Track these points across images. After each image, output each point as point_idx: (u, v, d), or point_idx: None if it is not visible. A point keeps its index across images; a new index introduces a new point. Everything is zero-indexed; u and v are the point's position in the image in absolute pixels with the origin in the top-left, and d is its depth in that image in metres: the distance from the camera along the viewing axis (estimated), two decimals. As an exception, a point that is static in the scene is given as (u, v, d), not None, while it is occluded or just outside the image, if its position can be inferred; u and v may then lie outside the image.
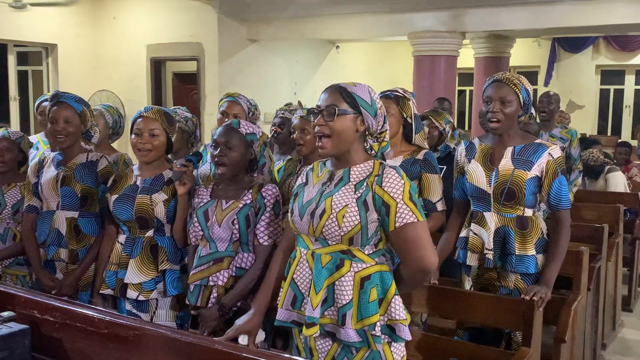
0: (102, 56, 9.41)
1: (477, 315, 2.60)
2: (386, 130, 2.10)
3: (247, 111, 3.58)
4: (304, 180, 2.17)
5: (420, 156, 2.98)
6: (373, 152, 2.09)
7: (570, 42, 12.90)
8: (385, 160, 2.12)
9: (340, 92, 2.04)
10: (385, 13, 8.24)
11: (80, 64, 9.16)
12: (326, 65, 11.08)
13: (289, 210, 2.14)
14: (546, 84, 13.10)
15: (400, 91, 3.02)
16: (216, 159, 2.52)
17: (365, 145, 2.07)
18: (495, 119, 2.66)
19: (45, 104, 4.03)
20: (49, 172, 3.00)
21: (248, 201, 2.53)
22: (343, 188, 2.02)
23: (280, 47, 9.79)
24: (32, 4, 7.82)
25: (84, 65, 9.22)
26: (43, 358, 2.32)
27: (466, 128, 12.91)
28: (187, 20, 8.87)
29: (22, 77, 9.26)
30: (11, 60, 8.80)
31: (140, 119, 2.73)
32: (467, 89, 13.76)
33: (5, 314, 2.29)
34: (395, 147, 2.99)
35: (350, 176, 2.04)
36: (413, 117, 3.00)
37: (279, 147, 3.84)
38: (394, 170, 2.00)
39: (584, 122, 12.66)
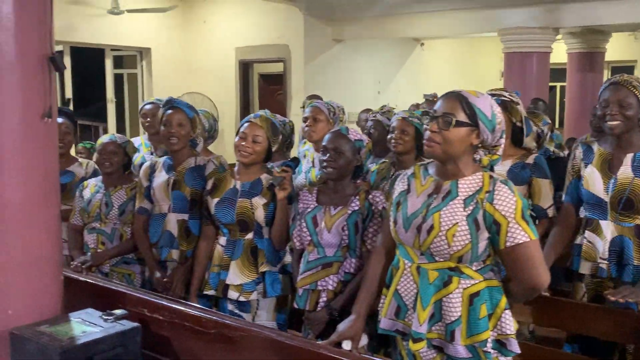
0: (193, 59, 9.70)
1: (588, 326, 2.49)
2: (502, 144, 2.03)
3: (328, 113, 3.64)
4: (406, 188, 2.11)
5: (530, 160, 2.89)
6: (481, 164, 2.02)
7: (671, 35, 12.17)
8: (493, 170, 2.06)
9: (460, 102, 1.96)
10: (474, 9, 8.06)
11: (172, 67, 9.48)
12: (410, 63, 10.96)
13: (392, 220, 2.11)
14: (643, 79, 12.44)
15: (507, 95, 2.91)
16: (325, 164, 2.56)
17: (475, 156, 2.01)
18: (613, 121, 2.53)
19: (147, 107, 4.21)
20: (161, 177, 3.13)
21: (356, 207, 2.56)
22: (451, 203, 1.96)
23: (365, 46, 9.77)
24: (129, 10, 8.16)
25: (176, 67, 9.53)
26: (152, 355, 2.41)
27: (556, 125, 12.41)
28: (275, 22, 9.00)
29: (118, 80, 9.68)
30: (108, 64, 9.21)
31: (247, 124, 2.83)
32: (558, 84, 13.24)
33: (118, 311, 2.40)
34: (503, 150, 2.91)
35: (459, 190, 1.97)
36: (523, 121, 2.91)
37: (372, 151, 3.87)
38: (506, 187, 1.94)
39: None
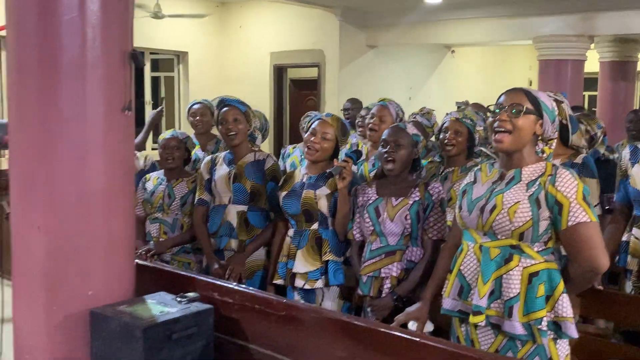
0: (229, 63, 9.88)
1: (638, 319, 2.58)
2: (556, 137, 2.17)
3: (395, 116, 3.74)
4: (472, 180, 2.26)
5: (578, 160, 2.95)
6: (544, 155, 2.15)
7: (703, 45, 12.09)
8: None
9: (526, 94, 2.12)
10: (508, 17, 8.15)
11: (208, 70, 9.67)
12: (441, 69, 11.05)
13: (457, 207, 2.24)
14: (675, 89, 12.37)
15: (552, 94, 3.01)
16: (386, 155, 2.69)
17: (537, 148, 2.14)
18: None
19: (196, 106, 4.39)
20: (222, 170, 3.28)
21: (417, 198, 2.68)
22: (515, 186, 2.09)
23: (397, 53, 9.88)
24: (171, 16, 8.35)
25: (212, 71, 9.72)
26: (223, 337, 2.54)
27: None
28: (310, 28, 9.15)
29: (154, 82, 9.88)
30: (146, 67, 9.41)
31: (318, 121, 2.98)
32: (586, 94, 13.22)
33: (191, 294, 2.54)
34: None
35: (522, 175, 2.10)
36: (568, 119, 3.00)
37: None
38: (568, 171, 2.06)
39: None
